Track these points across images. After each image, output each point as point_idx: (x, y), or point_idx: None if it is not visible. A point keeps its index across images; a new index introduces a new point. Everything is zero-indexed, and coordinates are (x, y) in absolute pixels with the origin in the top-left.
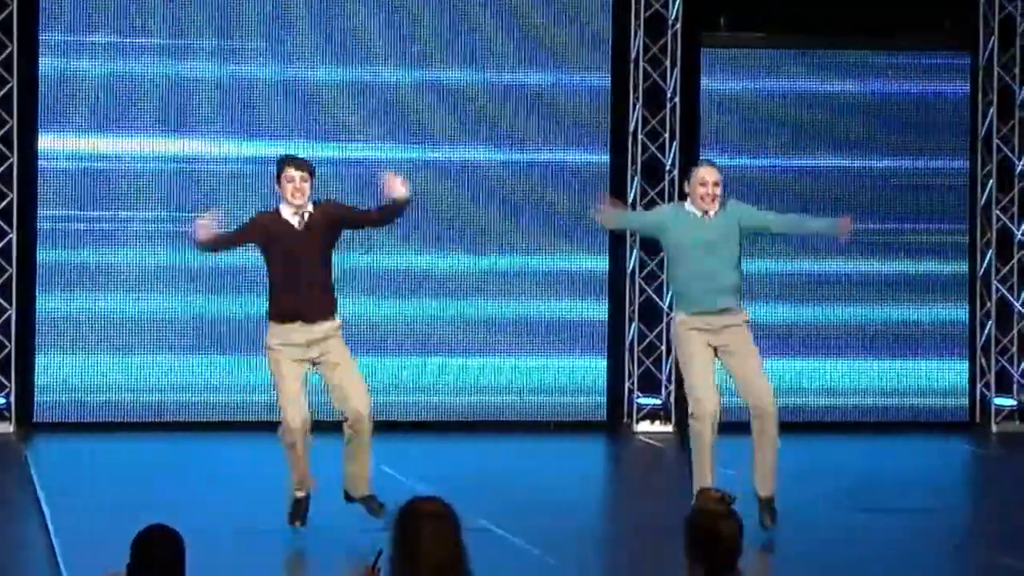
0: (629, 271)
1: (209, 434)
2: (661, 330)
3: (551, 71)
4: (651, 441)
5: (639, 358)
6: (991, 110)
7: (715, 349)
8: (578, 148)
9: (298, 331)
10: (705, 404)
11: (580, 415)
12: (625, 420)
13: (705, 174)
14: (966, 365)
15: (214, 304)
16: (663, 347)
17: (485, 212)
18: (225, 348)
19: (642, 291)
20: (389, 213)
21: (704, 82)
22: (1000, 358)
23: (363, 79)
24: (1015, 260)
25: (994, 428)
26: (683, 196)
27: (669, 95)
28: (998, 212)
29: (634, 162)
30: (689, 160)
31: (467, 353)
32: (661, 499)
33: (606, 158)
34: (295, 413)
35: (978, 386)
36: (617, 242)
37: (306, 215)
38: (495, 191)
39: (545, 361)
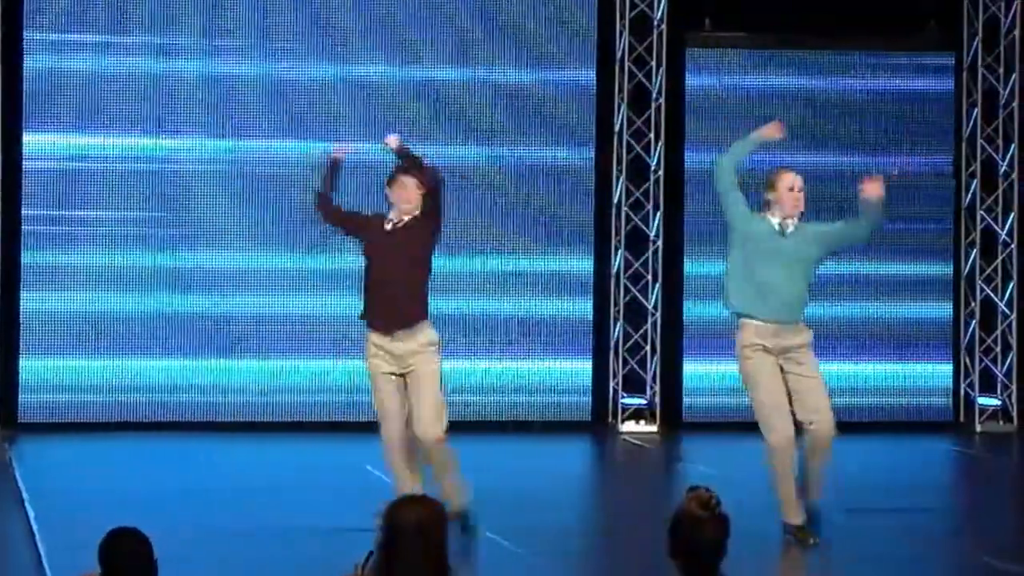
0: (614, 271)
1: (193, 434)
2: (646, 330)
3: (536, 71)
4: (636, 441)
5: (624, 358)
6: (975, 110)
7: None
8: (563, 148)
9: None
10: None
11: (565, 415)
12: (610, 420)
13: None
14: (950, 365)
15: (197, 305)
16: (648, 347)
17: (470, 211)
18: (208, 349)
19: (627, 291)
20: (412, 167)
21: (689, 82)
22: (984, 358)
23: (348, 77)
24: (999, 260)
25: (978, 428)
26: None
27: (654, 95)
28: (982, 212)
29: (619, 162)
30: (673, 160)
31: (453, 354)
32: (646, 499)
33: (591, 158)
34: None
35: (962, 386)
36: (602, 242)
37: (395, 222)
38: (480, 190)
39: (530, 361)
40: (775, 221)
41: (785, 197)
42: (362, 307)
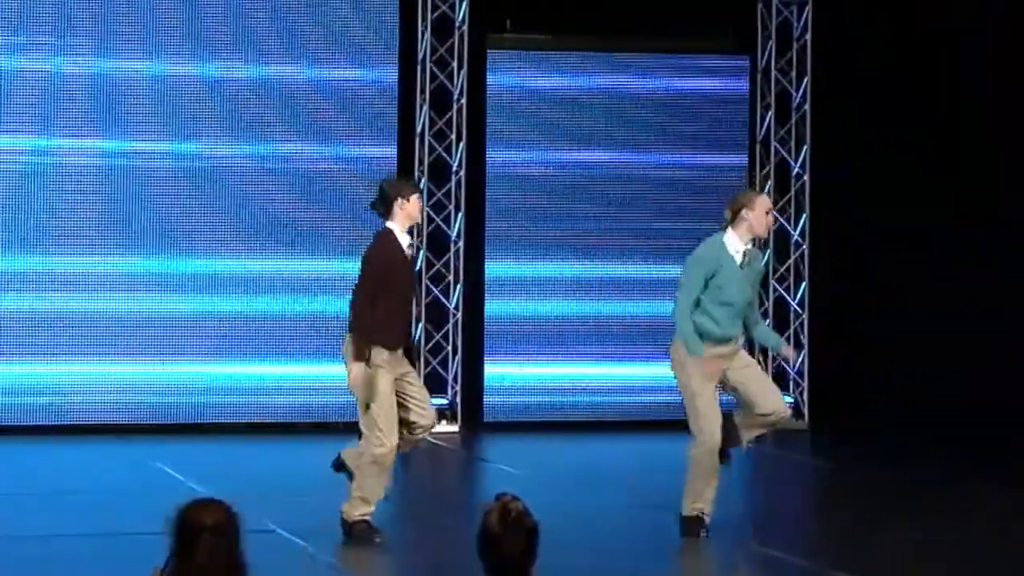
0: (416, 272)
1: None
2: (448, 331)
3: (337, 70)
4: (437, 441)
5: (426, 358)
6: (769, 113)
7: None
8: (365, 148)
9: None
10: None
11: None
12: None
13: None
14: None
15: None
16: (449, 348)
17: (269, 211)
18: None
19: (429, 292)
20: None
21: (491, 83)
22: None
23: (157, 75)
24: (792, 260)
25: None
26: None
27: (456, 96)
28: (775, 213)
29: (421, 163)
30: (475, 161)
31: (259, 357)
32: (447, 498)
33: (393, 158)
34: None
35: None
36: None
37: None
38: (278, 189)
39: (333, 362)
40: (737, 249)
41: (762, 220)
42: (378, 328)
